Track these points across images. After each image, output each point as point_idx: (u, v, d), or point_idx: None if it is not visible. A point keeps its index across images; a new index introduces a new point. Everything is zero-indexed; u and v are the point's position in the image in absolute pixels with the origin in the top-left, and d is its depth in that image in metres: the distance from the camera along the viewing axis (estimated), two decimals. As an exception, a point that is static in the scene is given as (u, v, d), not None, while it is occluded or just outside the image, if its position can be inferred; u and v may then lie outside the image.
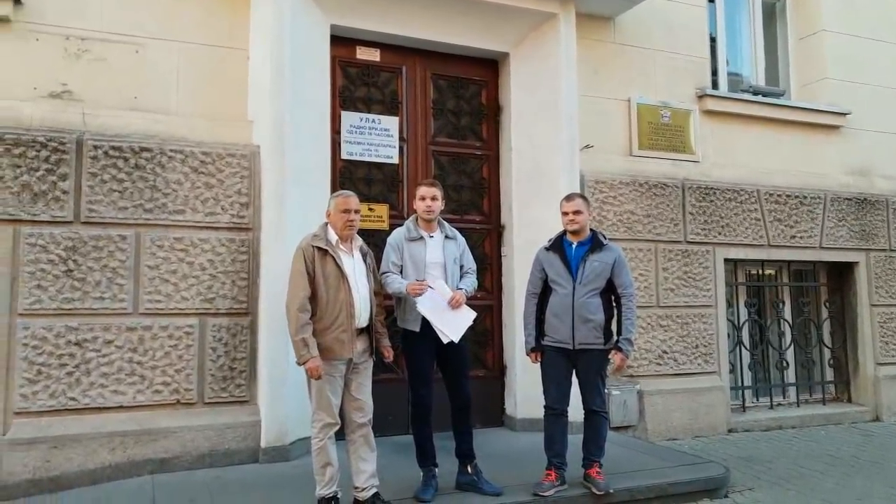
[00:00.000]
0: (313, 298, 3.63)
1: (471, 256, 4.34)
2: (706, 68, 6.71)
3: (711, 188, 6.43)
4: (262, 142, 4.85)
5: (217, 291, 4.65)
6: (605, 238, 4.39)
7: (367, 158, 5.45)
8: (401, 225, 4.28)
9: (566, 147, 5.70)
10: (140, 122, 4.64)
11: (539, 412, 4.40)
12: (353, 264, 3.77)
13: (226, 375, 4.63)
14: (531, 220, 5.61)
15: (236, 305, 4.69)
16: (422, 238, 4.12)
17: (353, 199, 3.82)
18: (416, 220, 4.19)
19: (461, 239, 4.32)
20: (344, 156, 5.38)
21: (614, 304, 4.29)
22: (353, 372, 3.75)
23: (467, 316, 4.06)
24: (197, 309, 4.59)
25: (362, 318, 3.72)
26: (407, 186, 5.57)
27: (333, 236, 3.74)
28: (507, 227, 5.81)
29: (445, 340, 3.95)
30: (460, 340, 4.05)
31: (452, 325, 3.98)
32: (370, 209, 5.39)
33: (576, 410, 4.33)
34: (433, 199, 4.11)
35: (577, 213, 4.26)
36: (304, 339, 3.53)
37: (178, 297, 4.56)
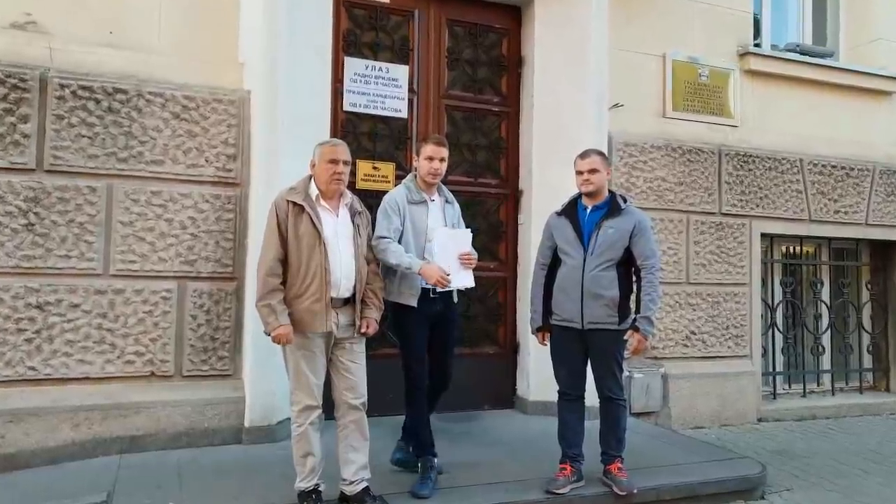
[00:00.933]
0: (285, 262, 3.10)
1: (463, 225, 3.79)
2: (748, 24, 5.97)
3: (750, 155, 5.75)
4: (253, 86, 4.24)
5: (199, 253, 4.09)
6: (626, 201, 3.73)
7: (372, 111, 4.82)
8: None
9: (593, 105, 5.04)
10: (116, 61, 4.03)
11: (554, 395, 3.83)
12: (335, 224, 3.18)
13: (207, 346, 4.09)
14: (552, 185, 4.96)
15: (220, 269, 4.12)
16: (424, 201, 3.58)
17: (341, 148, 3.23)
18: (415, 179, 3.63)
19: (457, 204, 3.79)
20: (346, 107, 4.75)
21: (635, 279, 3.66)
22: (339, 348, 3.19)
23: (468, 278, 3.55)
24: (176, 272, 4.03)
25: (342, 286, 3.15)
26: (416, 144, 4.95)
27: (314, 190, 3.18)
28: (525, 192, 5.19)
29: (458, 286, 3.49)
30: (453, 315, 3.66)
31: (458, 276, 3.48)
32: (374, 168, 4.80)
33: (593, 395, 3.75)
34: (441, 160, 3.57)
35: (592, 171, 3.63)
36: (271, 304, 3.01)
37: (155, 258, 3.99)
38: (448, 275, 3.38)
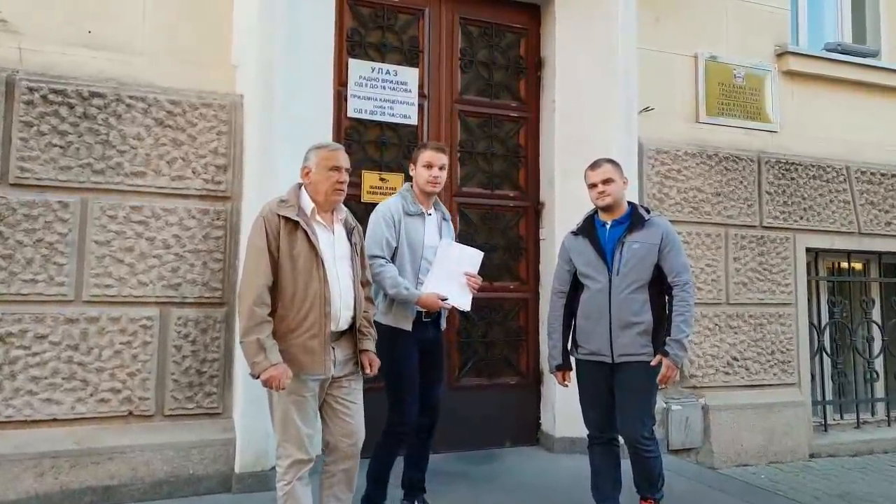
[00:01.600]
0: (275, 288, 2.58)
1: None
2: (786, 22, 5.45)
3: (792, 163, 5.21)
4: (246, 91, 3.78)
5: (184, 276, 3.60)
6: (649, 211, 3.27)
7: (379, 117, 4.33)
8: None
9: (621, 109, 4.54)
10: (94, 62, 3.57)
11: (583, 429, 3.33)
12: (333, 243, 2.71)
13: (193, 381, 3.58)
14: (576, 197, 4.40)
15: (208, 294, 3.63)
16: (421, 214, 3.21)
17: (342, 154, 2.75)
18: (412, 189, 3.25)
19: (451, 224, 3.44)
20: (351, 113, 4.28)
21: (667, 299, 3.18)
22: (335, 388, 2.70)
23: (466, 301, 3.24)
24: (158, 297, 3.54)
25: (342, 318, 2.69)
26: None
27: (309, 203, 2.69)
28: (547, 205, 4.67)
29: (461, 307, 3.19)
30: (442, 341, 3.35)
31: (455, 296, 3.18)
32: (381, 179, 4.31)
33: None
34: (441, 168, 3.21)
35: (607, 182, 3.18)
36: (259, 339, 2.49)
37: (134, 282, 3.51)
38: (445, 298, 3.10)
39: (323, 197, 2.67)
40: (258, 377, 2.52)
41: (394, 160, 4.36)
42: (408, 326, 3.07)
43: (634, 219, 3.19)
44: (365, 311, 2.81)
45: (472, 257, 3.27)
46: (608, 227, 3.21)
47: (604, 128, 4.57)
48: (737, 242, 4.97)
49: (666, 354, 3.04)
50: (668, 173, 4.82)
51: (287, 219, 2.59)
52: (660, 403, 4.57)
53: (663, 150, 4.82)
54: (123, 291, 3.49)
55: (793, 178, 5.19)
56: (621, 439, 3.23)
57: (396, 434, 3.10)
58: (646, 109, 4.73)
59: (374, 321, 2.93)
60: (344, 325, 2.70)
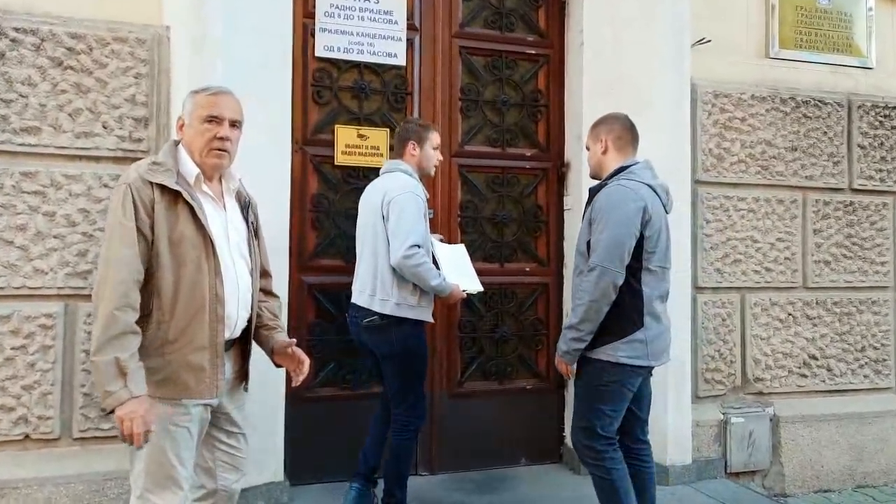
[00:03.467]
0: (147, 284, 1.81)
1: None
2: (883, -72, 4.24)
3: (892, 107, 4.04)
4: (173, 22, 2.87)
5: (95, 261, 2.73)
6: (619, 174, 2.44)
7: (356, 57, 3.35)
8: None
9: (669, 41, 3.47)
10: (-28, -13, 2.75)
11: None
12: (226, 223, 1.96)
13: (108, 395, 2.79)
14: None
15: (127, 283, 2.82)
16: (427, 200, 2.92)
17: (227, 99, 1.95)
18: (414, 172, 2.90)
19: None
20: (320, 52, 3.30)
21: (634, 284, 2.36)
22: (220, 412, 1.97)
23: (478, 283, 3.02)
24: (61, 288, 2.70)
25: (239, 321, 1.97)
26: (419, 102, 3.46)
27: (192, 168, 1.91)
28: (573, 166, 3.61)
29: (474, 290, 2.96)
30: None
31: (471, 283, 2.98)
32: (360, 136, 3.36)
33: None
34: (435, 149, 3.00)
35: (586, 148, 2.68)
36: (119, 360, 1.71)
37: (29, 270, 2.67)
38: (464, 289, 2.90)
39: (200, 158, 1.91)
40: (109, 413, 1.72)
41: (376, 112, 3.39)
42: (430, 318, 2.86)
43: (600, 186, 2.48)
44: (265, 302, 2.11)
45: (461, 250, 3.10)
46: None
47: (646, 66, 3.51)
48: (818, 210, 3.85)
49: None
50: (728, 123, 3.71)
51: (164, 188, 1.82)
52: (715, 414, 3.58)
53: (723, 92, 3.71)
54: (14, 282, 2.65)
55: (893, 128, 4.00)
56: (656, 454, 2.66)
57: (417, 430, 2.85)
58: (701, 42, 3.62)
59: (400, 316, 2.70)
60: (238, 330, 1.97)
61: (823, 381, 3.81)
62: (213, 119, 1.89)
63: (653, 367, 2.46)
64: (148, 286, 1.80)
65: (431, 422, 3.28)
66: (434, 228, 3.23)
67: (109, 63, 2.79)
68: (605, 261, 2.28)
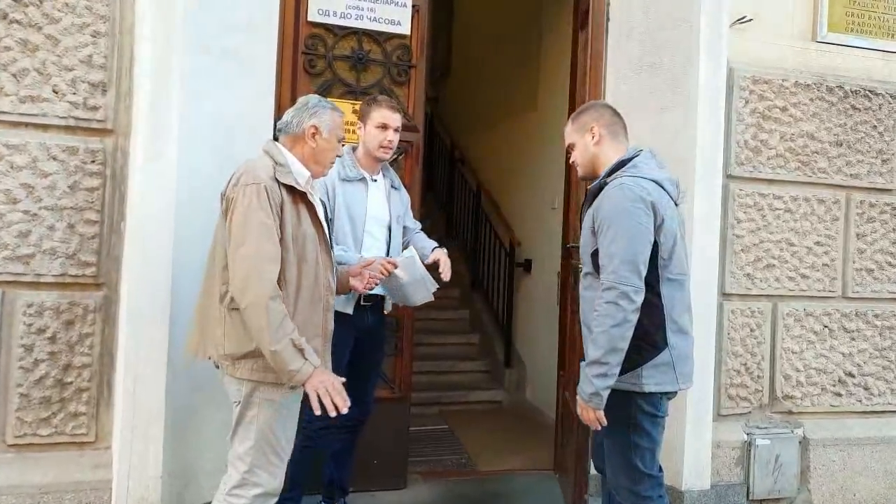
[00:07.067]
0: (281, 276, 1.87)
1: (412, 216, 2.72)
2: None
3: (950, 102, 3.46)
4: (140, -29, 2.42)
5: (38, 243, 2.27)
6: (620, 169, 1.99)
7: (355, 23, 2.83)
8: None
9: (705, 17, 2.91)
10: None
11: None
12: (323, 220, 2.05)
13: (50, 397, 2.28)
14: (640, 143, 2.97)
15: (76, 270, 2.30)
16: (363, 180, 2.49)
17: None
18: (353, 152, 2.51)
19: (405, 193, 2.68)
20: (313, 16, 2.79)
21: (652, 299, 1.92)
22: None
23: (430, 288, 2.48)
24: (-1, 274, 2.30)
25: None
26: (425, 75, 2.99)
27: (303, 170, 1.98)
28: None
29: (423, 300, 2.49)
30: (384, 331, 2.66)
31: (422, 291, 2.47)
32: (357, 112, 2.88)
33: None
34: (396, 130, 2.49)
35: (569, 148, 2.15)
36: (294, 341, 1.79)
37: (-38, 252, 2.27)
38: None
39: (322, 170, 2.06)
40: (302, 383, 1.79)
41: (375, 85, 2.88)
42: (349, 309, 2.38)
43: (601, 185, 2.01)
44: None
45: (412, 262, 2.42)
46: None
47: (678, 47, 2.98)
48: (863, 213, 3.28)
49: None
50: (768, 112, 3.14)
51: (290, 188, 1.89)
52: (738, 434, 3.06)
53: (763, 78, 3.14)
54: (-56, 265, 2.23)
55: (949, 124, 3.43)
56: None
57: (318, 432, 2.37)
58: (741, 20, 3.06)
59: None
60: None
61: (860, 401, 3.26)
62: (342, 139, 2.06)
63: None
64: (280, 279, 1.84)
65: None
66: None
67: (63, 18, 2.29)
68: (622, 279, 1.83)
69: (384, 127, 2.41)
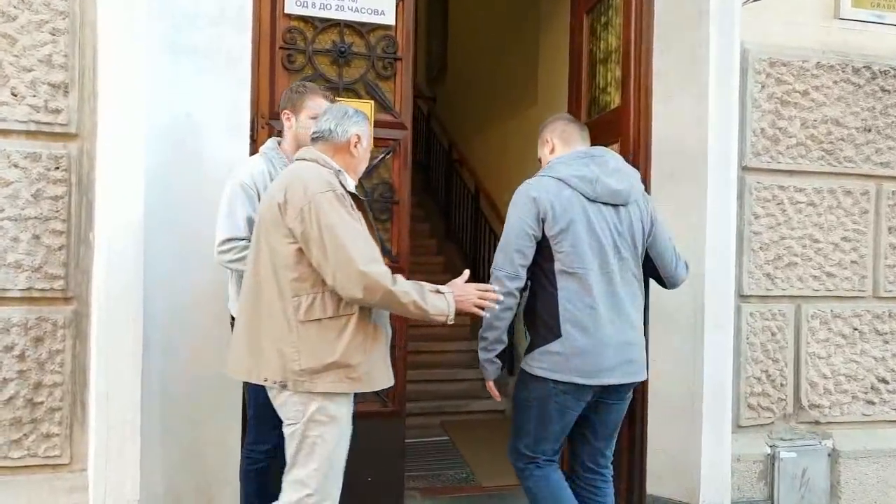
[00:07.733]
0: None
1: None
2: None
3: None
4: (103, -36, 2.27)
5: (3, 256, 2.12)
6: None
7: (335, 14, 2.63)
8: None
9: (715, -4, 2.71)
10: None
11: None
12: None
13: (20, 417, 2.14)
14: (657, 136, 2.76)
15: (43, 284, 2.15)
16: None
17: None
18: (278, 148, 2.27)
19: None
20: (291, 8, 2.59)
21: (543, 285, 2.07)
22: None
23: None
24: (-40, 288, 2.17)
25: None
26: (412, 68, 2.80)
27: (349, 180, 1.95)
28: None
29: None
30: None
31: None
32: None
33: None
34: None
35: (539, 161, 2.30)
36: (422, 286, 1.83)
37: (-80, 266, 2.15)
38: None
39: (357, 178, 2.02)
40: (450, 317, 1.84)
41: (359, 80, 2.68)
42: None
43: None
44: None
45: None
46: None
47: (684, 27, 2.74)
48: (894, 204, 3.01)
49: None
50: (787, 96, 2.88)
51: (353, 196, 1.88)
52: (761, 447, 2.82)
53: (781, 60, 2.88)
54: None
55: None
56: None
57: (251, 456, 2.24)
58: (755, -2, 2.83)
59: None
60: None
61: (894, 410, 3.00)
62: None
63: (594, 387, 2.00)
64: None
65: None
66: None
67: (19, 15, 2.14)
68: (497, 265, 2.06)
69: (314, 115, 2.14)
